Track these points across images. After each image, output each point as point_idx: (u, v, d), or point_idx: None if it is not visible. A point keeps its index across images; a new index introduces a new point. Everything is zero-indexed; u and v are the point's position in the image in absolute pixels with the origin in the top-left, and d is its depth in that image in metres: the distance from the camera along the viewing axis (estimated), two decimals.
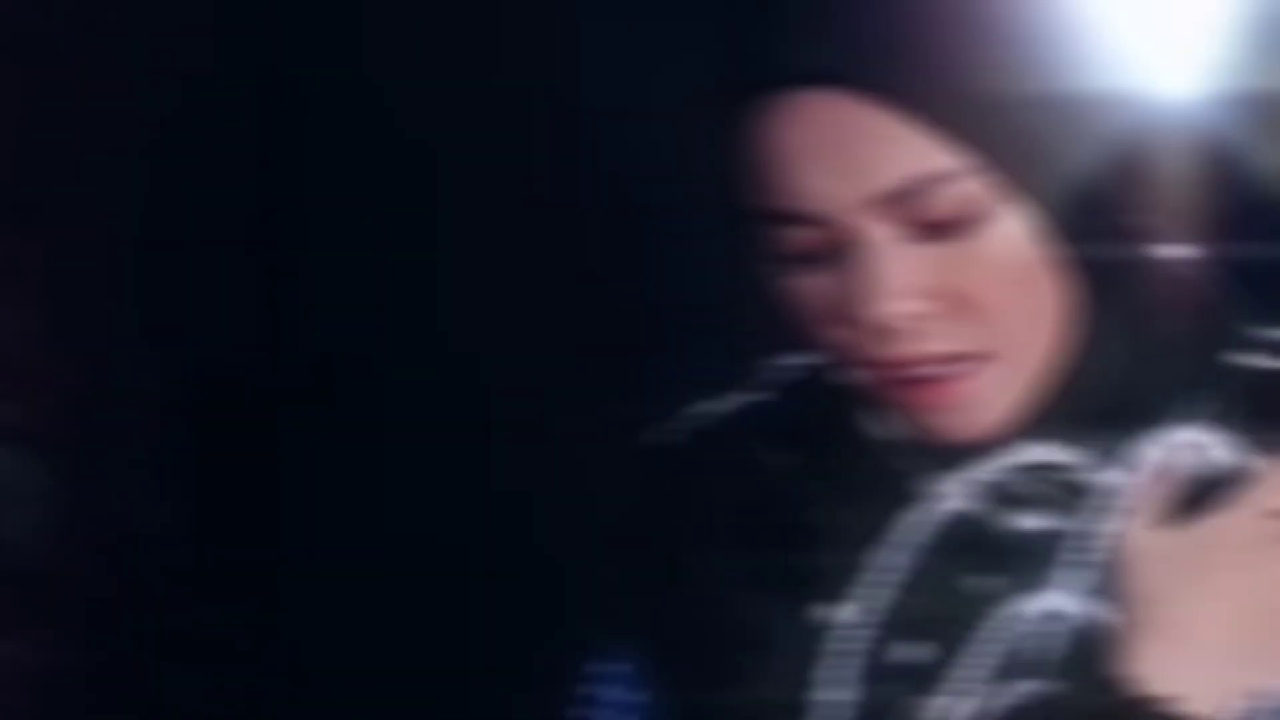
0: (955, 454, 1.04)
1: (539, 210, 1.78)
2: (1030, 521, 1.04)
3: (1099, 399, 1.04)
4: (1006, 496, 1.05)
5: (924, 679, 1.03)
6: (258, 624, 1.84)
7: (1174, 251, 1.08)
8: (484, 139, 1.76)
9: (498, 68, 1.75)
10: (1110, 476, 1.04)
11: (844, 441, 1.08)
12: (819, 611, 1.05)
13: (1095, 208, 1.01)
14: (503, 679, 1.61)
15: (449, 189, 1.83)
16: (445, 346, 1.85)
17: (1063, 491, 1.04)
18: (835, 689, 1.04)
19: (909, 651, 1.04)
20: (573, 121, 1.71)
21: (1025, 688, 1.01)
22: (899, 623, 1.04)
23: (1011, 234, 0.99)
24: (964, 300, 1.00)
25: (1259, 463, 1.04)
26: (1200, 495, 1.03)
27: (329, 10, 1.79)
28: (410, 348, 1.84)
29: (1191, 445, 1.05)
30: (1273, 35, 1.25)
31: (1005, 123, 0.98)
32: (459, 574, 1.84)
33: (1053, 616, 1.03)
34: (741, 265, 1.05)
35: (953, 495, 1.05)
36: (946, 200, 0.98)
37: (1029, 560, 1.04)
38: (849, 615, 1.04)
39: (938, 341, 1.00)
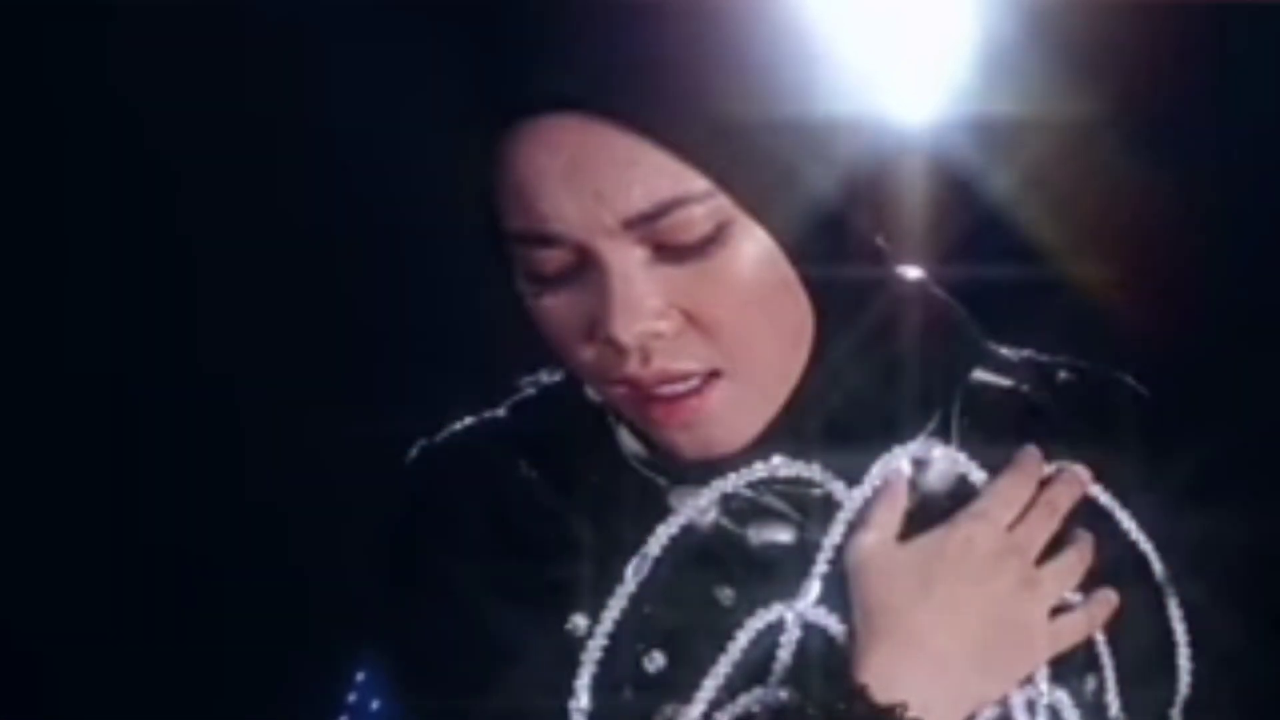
0: (697, 469, 1.07)
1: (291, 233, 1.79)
2: (769, 534, 1.07)
3: (837, 415, 1.07)
4: (745, 510, 1.08)
5: (666, 688, 1.05)
6: None
7: (912, 271, 1.13)
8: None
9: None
10: (846, 490, 1.08)
11: (593, 456, 1.11)
12: (567, 622, 1.07)
13: (834, 229, 1.04)
14: (258, 688, 1.62)
15: (199, 211, 1.82)
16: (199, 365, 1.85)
17: (801, 505, 1.08)
18: (582, 698, 1.05)
19: (652, 661, 1.06)
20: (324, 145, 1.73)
21: (761, 695, 1.04)
22: (642, 633, 1.06)
23: (748, 255, 1.02)
24: (697, 319, 1.02)
25: (991, 477, 1.08)
26: (934, 508, 1.07)
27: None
28: (163, 367, 1.84)
29: (926, 460, 1.09)
30: (996, 61, 1.30)
31: (744, 146, 1.00)
32: (214, 586, 1.85)
33: (789, 626, 1.05)
34: (496, 285, 1.07)
35: (692, 509, 1.08)
36: (688, 223, 1.00)
37: (768, 572, 1.06)
38: (592, 625, 1.06)
39: (671, 359, 1.03)
